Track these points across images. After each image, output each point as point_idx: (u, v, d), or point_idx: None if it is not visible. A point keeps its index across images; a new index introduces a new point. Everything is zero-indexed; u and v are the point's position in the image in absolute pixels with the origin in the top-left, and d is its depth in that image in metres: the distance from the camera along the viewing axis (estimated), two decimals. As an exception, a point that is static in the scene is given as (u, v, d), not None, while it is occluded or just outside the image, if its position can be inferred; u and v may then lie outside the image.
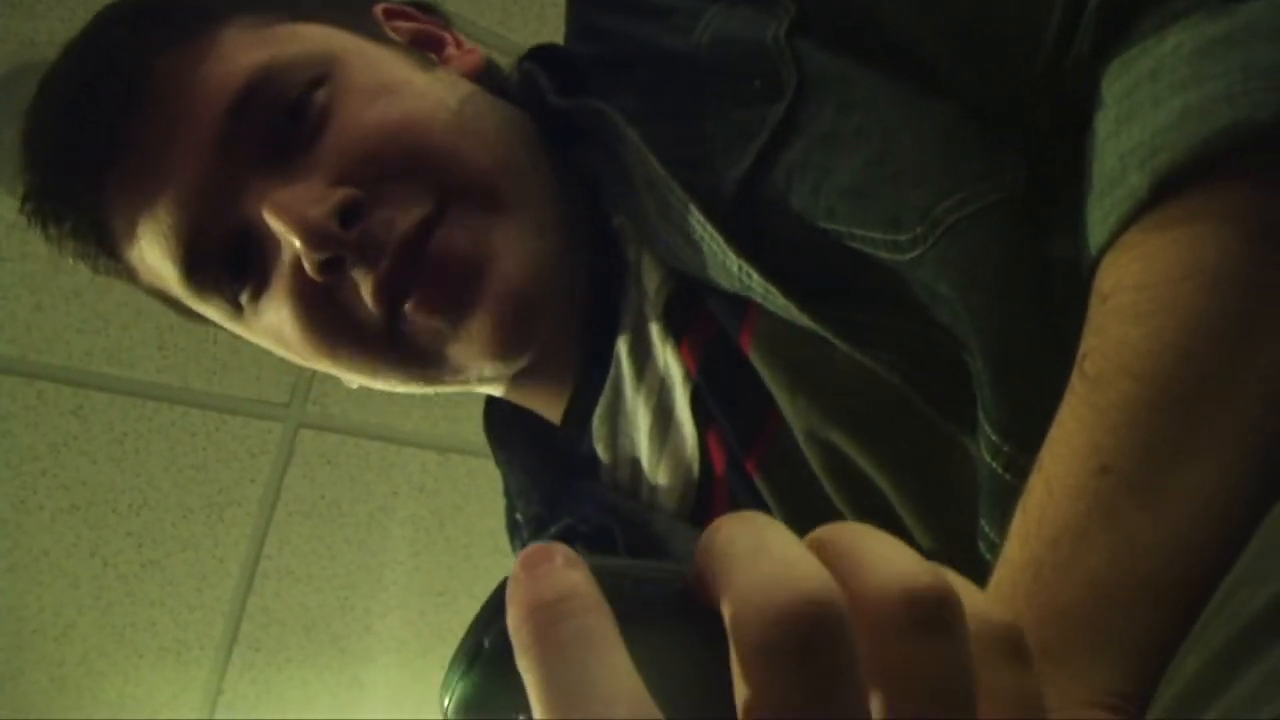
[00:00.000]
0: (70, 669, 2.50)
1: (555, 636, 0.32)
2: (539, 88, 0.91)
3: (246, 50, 0.83)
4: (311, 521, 2.65)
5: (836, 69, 0.78)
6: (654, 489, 0.90)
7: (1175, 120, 0.61)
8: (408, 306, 0.80)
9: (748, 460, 0.83)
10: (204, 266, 0.85)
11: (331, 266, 0.79)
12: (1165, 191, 0.61)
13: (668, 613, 0.35)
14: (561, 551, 0.34)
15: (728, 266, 0.76)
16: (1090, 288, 0.64)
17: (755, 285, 0.75)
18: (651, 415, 0.88)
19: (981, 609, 0.36)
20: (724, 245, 0.75)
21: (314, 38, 0.85)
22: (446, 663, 0.36)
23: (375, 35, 0.89)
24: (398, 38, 0.92)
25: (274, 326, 0.86)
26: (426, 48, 0.94)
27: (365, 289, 0.81)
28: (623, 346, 0.88)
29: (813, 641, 0.31)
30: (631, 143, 0.80)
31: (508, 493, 1.03)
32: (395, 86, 0.83)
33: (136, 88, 0.83)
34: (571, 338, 0.90)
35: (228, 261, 0.84)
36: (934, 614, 0.33)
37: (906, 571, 0.34)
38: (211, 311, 0.89)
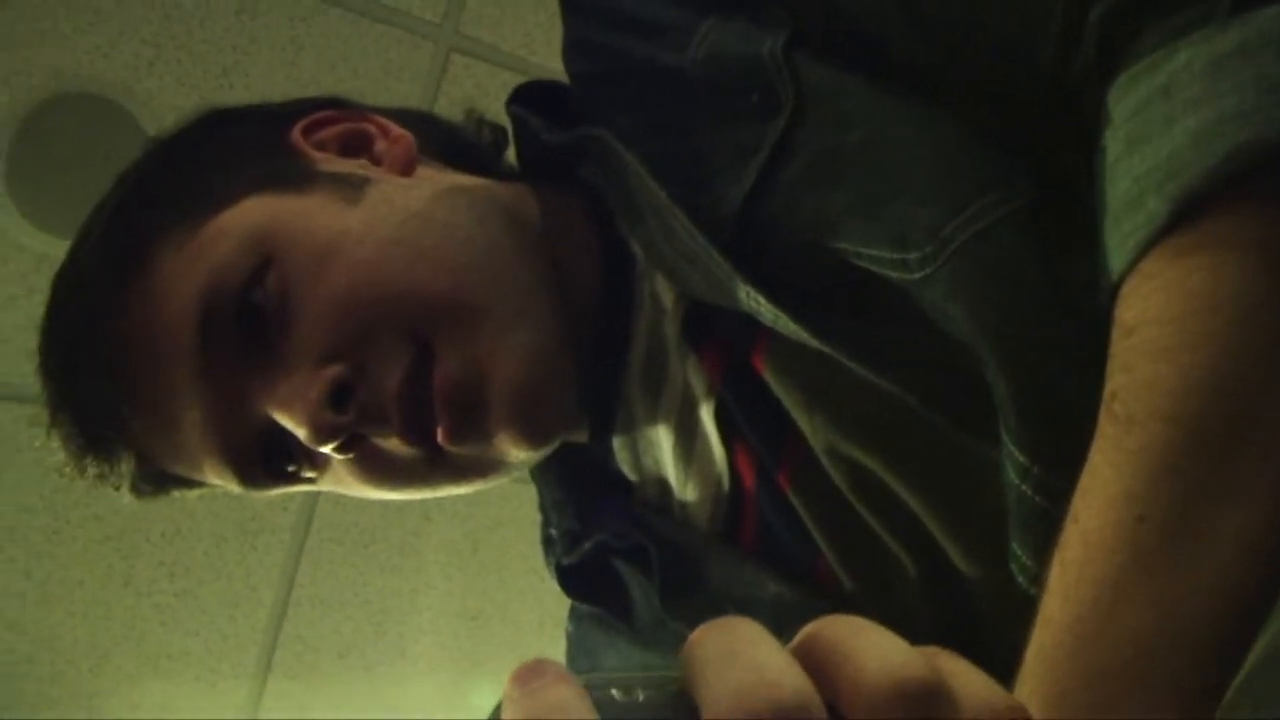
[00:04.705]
0: (105, 699, 2.51)
1: None
2: (531, 129, 0.91)
3: (185, 273, 0.83)
4: (344, 548, 2.65)
5: (835, 83, 0.77)
6: (684, 506, 0.89)
7: (1190, 141, 0.60)
8: (437, 440, 0.82)
9: (780, 474, 0.82)
10: (255, 472, 0.87)
11: (350, 444, 0.82)
12: (1183, 216, 0.59)
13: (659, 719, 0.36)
14: (553, 667, 0.35)
15: (735, 291, 0.75)
16: (1110, 314, 0.63)
17: (764, 310, 0.74)
18: (674, 433, 0.87)
19: (984, 693, 0.36)
20: (730, 271, 0.74)
21: (240, 225, 0.83)
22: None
23: (297, 179, 0.87)
24: (323, 155, 0.90)
25: (343, 484, 0.89)
26: (355, 151, 0.92)
27: (392, 445, 0.83)
28: (635, 368, 0.87)
29: None
30: (634, 169, 0.80)
31: (542, 508, 1.02)
32: (334, 244, 0.82)
33: (112, 355, 0.85)
34: (586, 367, 0.89)
35: (274, 456, 0.86)
36: (925, 706, 0.33)
37: (896, 663, 0.34)
38: (280, 491, 0.92)
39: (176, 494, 0.94)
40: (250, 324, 0.82)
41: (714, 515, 0.87)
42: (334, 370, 0.80)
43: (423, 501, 2.59)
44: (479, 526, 2.73)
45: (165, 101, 2.31)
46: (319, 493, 2.54)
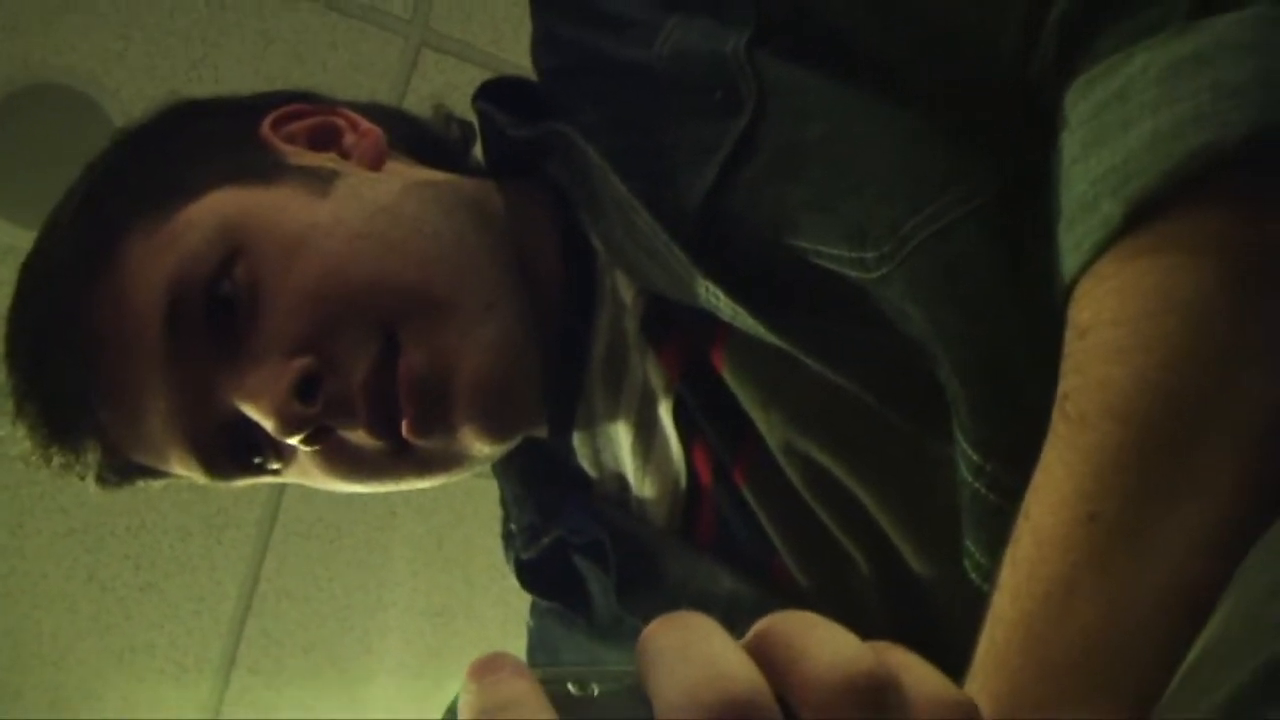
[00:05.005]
0: (69, 692, 2.50)
1: None
2: (497, 124, 0.91)
3: (153, 263, 0.83)
4: (309, 542, 2.64)
5: (798, 80, 0.77)
6: (641, 502, 0.89)
7: (1146, 145, 0.60)
8: (403, 434, 0.82)
9: (735, 471, 0.82)
10: (221, 463, 0.88)
11: (316, 436, 0.82)
12: (1138, 219, 0.60)
13: (613, 713, 0.36)
14: (509, 661, 0.36)
15: (694, 287, 0.76)
16: (1064, 313, 0.63)
17: (723, 305, 0.75)
18: (633, 429, 0.87)
19: (932, 686, 0.36)
20: (689, 266, 0.74)
21: (209, 217, 0.83)
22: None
23: (266, 172, 0.87)
24: (292, 148, 0.91)
25: (307, 476, 0.89)
26: (324, 144, 0.92)
27: (358, 438, 0.83)
28: (596, 364, 0.87)
29: None
30: (596, 164, 0.80)
31: (503, 501, 1.02)
32: (303, 236, 0.82)
33: (79, 343, 0.85)
34: (548, 362, 0.89)
35: (240, 446, 0.86)
36: (875, 699, 0.34)
37: (847, 657, 0.35)
38: (249, 482, 0.92)
39: (141, 484, 0.94)
40: (218, 315, 0.82)
41: (671, 512, 0.88)
42: (301, 362, 0.80)
43: (388, 497, 2.59)
44: (444, 523, 2.72)
45: (134, 93, 2.30)
46: (285, 488, 2.54)
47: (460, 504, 2.71)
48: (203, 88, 2.12)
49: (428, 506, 2.69)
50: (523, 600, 1.04)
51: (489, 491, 1.06)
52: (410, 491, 0.91)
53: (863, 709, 0.34)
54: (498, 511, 1.04)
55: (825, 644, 0.35)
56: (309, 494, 2.58)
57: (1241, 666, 0.45)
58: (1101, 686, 0.54)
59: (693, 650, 0.35)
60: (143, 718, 2.59)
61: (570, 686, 0.36)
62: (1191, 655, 0.51)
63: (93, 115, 2.27)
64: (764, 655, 0.35)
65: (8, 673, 2.43)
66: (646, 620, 0.37)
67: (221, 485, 0.91)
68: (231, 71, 2.36)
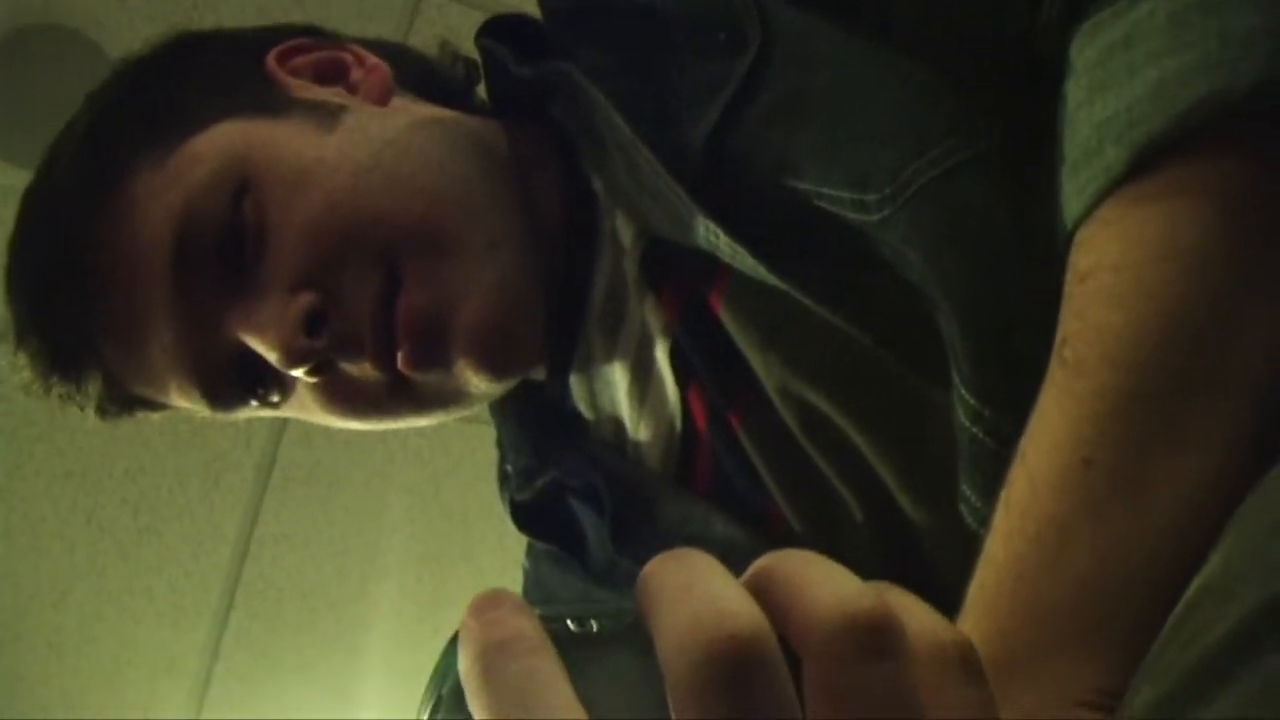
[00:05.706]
0: (66, 635, 2.51)
1: (502, 677, 0.33)
2: (500, 62, 0.91)
3: (160, 196, 0.83)
4: (307, 488, 2.65)
5: (803, 23, 0.77)
6: (637, 446, 0.90)
7: (1151, 91, 0.60)
8: (399, 367, 0.82)
9: (731, 415, 0.82)
10: (224, 394, 0.88)
11: (320, 369, 0.82)
12: (1143, 165, 0.60)
13: (614, 650, 0.36)
14: (509, 599, 0.35)
15: (695, 226, 0.76)
16: (1066, 259, 0.64)
17: (723, 245, 0.75)
18: (630, 372, 0.87)
19: (929, 626, 0.36)
20: (691, 205, 0.74)
21: (216, 150, 0.84)
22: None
23: (273, 106, 0.87)
24: (299, 82, 0.91)
25: (305, 410, 0.89)
26: (331, 79, 0.92)
27: (363, 370, 0.83)
28: (596, 307, 0.87)
29: (739, 677, 0.32)
30: (599, 104, 0.80)
31: (500, 444, 1.03)
32: (309, 170, 0.82)
33: (84, 274, 0.85)
34: (549, 304, 0.89)
35: (242, 379, 0.87)
36: (875, 638, 0.34)
37: (847, 596, 0.34)
38: (247, 415, 0.92)
39: (140, 415, 0.94)
40: (225, 249, 0.82)
41: (666, 456, 0.88)
42: (308, 297, 0.80)
43: (386, 444, 2.59)
44: (441, 469, 2.73)
45: (135, 35, 2.28)
46: (282, 434, 2.55)
47: (457, 450, 2.71)
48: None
49: (425, 452, 2.70)
50: (519, 546, 1.04)
51: (486, 438, 1.06)
52: (408, 438, 0.92)
53: (863, 647, 0.33)
54: (495, 458, 1.04)
55: (825, 582, 0.35)
56: (307, 439, 2.58)
57: (1242, 602, 0.46)
58: (1093, 630, 0.55)
59: (694, 587, 0.34)
60: (140, 661, 2.60)
61: (570, 624, 0.36)
62: (1190, 592, 0.52)
63: (93, 56, 2.26)
64: (764, 593, 0.35)
65: (6, 615, 2.45)
66: (642, 564, 0.36)
67: (221, 416, 0.91)
68: (232, 14, 2.34)
